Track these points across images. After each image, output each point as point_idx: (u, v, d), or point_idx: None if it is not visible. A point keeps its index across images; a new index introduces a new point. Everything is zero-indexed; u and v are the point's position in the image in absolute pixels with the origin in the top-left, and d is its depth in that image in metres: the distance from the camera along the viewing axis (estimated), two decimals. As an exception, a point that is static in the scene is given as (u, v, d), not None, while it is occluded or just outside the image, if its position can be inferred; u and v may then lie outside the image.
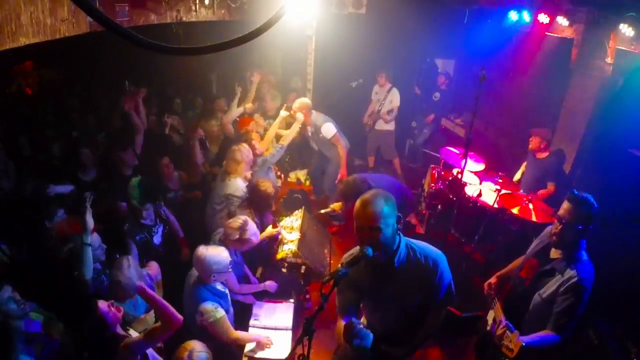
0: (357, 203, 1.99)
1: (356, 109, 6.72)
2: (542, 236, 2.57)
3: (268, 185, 3.81)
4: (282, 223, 4.16)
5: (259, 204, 3.83)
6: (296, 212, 4.70)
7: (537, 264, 2.47)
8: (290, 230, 4.27)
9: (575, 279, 2.21)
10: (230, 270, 2.83)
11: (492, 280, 2.74)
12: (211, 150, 5.13)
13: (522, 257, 2.69)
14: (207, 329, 2.66)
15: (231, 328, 2.79)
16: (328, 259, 4.59)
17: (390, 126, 6.34)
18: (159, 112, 5.48)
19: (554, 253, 2.41)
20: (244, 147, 4.07)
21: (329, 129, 5.03)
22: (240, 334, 2.90)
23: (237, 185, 3.96)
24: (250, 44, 1.09)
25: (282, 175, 5.24)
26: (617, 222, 3.53)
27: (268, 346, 2.95)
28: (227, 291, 2.95)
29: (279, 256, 3.87)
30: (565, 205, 2.33)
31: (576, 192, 2.34)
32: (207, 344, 2.55)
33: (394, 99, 6.19)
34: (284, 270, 4.02)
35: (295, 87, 6.54)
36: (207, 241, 3.27)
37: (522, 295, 2.47)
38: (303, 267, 4.03)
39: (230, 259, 2.81)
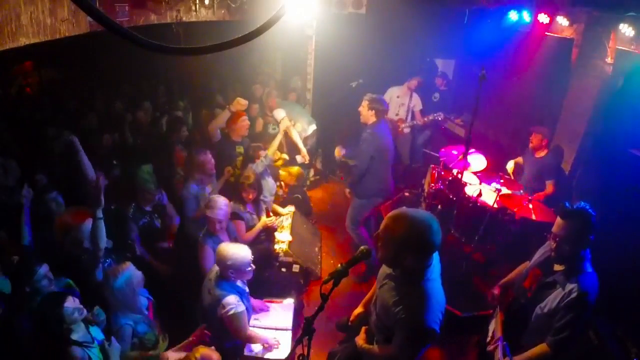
0: (397, 213, 1.94)
1: (356, 109, 6.71)
2: (547, 246, 2.47)
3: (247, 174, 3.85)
4: (272, 221, 4.15)
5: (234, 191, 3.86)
6: (287, 211, 4.73)
7: (541, 274, 2.39)
8: (281, 230, 4.30)
9: (576, 293, 2.12)
10: (249, 270, 2.83)
11: (495, 290, 2.67)
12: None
13: (526, 263, 2.61)
14: (226, 322, 2.68)
15: (247, 325, 2.84)
16: (319, 257, 4.62)
17: (409, 127, 6.30)
18: (156, 111, 5.49)
19: (557, 266, 2.33)
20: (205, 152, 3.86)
21: (276, 113, 5.10)
22: (253, 333, 2.94)
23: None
24: (250, 44, 1.10)
25: (283, 184, 5.24)
26: (617, 222, 3.53)
27: (276, 347, 2.97)
28: (247, 289, 2.96)
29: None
30: (558, 221, 2.22)
31: (567, 205, 2.19)
32: (220, 341, 2.59)
33: (417, 102, 6.13)
34: (283, 270, 4.04)
35: (295, 87, 6.54)
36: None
37: (524, 307, 2.40)
38: (296, 265, 4.06)
39: (250, 259, 2.82)
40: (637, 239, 3.45)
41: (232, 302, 2.67)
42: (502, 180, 4.42)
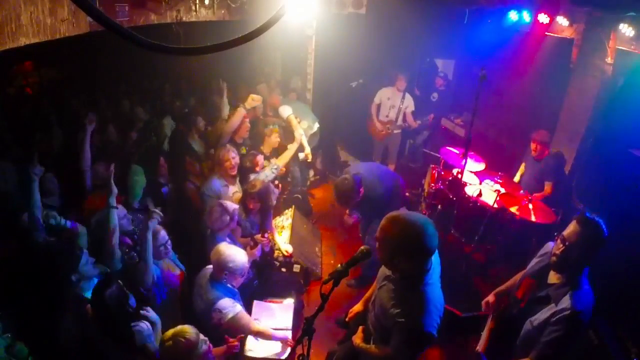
0: (393, 215, 1.95)
1: (356, 109, 6.72)
2: (543, 254, 2.39)
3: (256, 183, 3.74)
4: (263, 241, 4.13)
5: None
6: (286, 211, 4.72)
7: (534, 285, 2.31)
8: (281, 230, 4.28)
9: (569, 311, 2.02)
10: (243, 276, 2.83)
11: (490, 298, 2.58)
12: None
13: (523, 272, 2.52)
14: (225, 326, 2.64)
15: (252, 320, 2.82)
16: (319, 257, 4.62)
17: (399, 128, 6.26)
18: (158, 112, 5.48)
19: (552, 278, 2.23)
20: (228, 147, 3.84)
21: (282, 110, 5.05)
22: (261, 327, 2.91)
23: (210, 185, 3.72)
24: (251, 44, 1.10)
25: (280, 185, 5.23)
26: (617, 222, 3.53)
27: (290, 345, 2.95)
28: (237, 290, 2.93)
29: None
30: (573, 226, 2.12)
31: (588, 215, 2.11)
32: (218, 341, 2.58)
33: (410, 104, 6.04)
34: (283, 270, 4.04)
35: (295, 87, 6.54)
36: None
37: (515, 318, 2.32)
38: (296, 265, 4.05)
39: (247, 266, 2.82)
40: (637, 239, 3.45)
41: (227, 305, 2.64)
42: (501, 181, 4.42)
